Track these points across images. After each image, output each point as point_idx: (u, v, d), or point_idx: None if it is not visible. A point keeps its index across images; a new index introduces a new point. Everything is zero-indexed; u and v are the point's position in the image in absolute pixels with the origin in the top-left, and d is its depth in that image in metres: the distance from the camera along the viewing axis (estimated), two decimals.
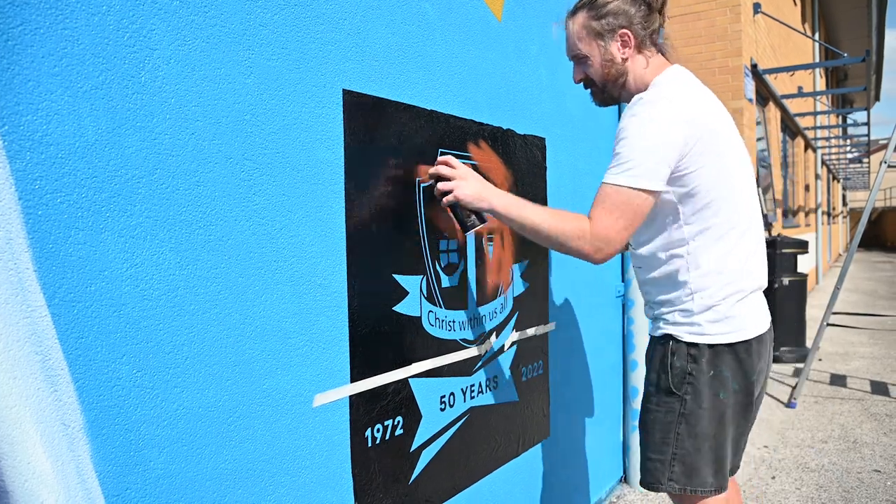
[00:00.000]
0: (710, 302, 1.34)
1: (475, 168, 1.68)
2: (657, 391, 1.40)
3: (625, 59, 1.39)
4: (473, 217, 1.43)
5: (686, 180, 1.30)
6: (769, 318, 1.45)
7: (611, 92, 1.45)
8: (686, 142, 1.26)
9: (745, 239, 1.37)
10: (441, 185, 1.41)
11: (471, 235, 1.66)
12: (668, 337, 1.39)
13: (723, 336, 1.34)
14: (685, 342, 1.36)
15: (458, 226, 1.47)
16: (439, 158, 1.47)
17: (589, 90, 1.49)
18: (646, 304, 1.50)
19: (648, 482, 1.41)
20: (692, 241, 1.34)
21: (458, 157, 1.61)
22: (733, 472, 1.47)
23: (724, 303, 1.34)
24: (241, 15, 1.08)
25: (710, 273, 1.34)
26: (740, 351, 1.35)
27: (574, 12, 1.43)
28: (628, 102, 1.39)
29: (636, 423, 2.69)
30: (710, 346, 1.34)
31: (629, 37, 1.37)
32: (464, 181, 1.39)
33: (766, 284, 1.44)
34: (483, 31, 1.72)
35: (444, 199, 1.41)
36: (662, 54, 1.44)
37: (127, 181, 0.92)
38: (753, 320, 1.38)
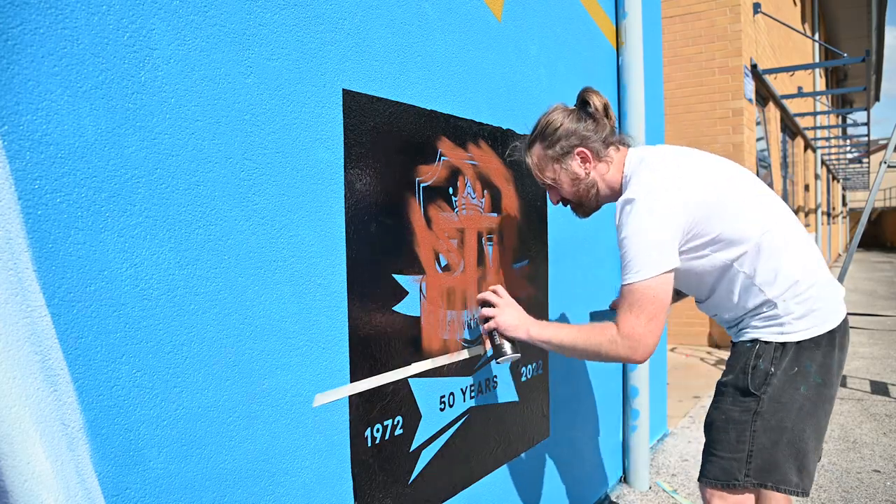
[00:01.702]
0: (791, 306, 1.35)
1: (474, 168, 1.68)
2: (734, 391, 1.40)
3: (588, 173, 1.47)
4: (507, 347, 1.49)
5: (706, 237, 1.35)
6: (844, 306, 1.45)
7: (588, 204, 1.53)
8: (687, 217, 1.31)
9: (791, 238, 1.39)
10: (485, 311, 1.53)
11: (472, 234, 1.66)
12: (756, 340, 1.39)
13: (808, 331, 1.35)
14: (774, 343, 1.37)
15: (492, 352, 1.55)
16: (492, 287, 1.58)
17: (569, 208, 1.57)
18: (724, 324, 1.51)
19: (717, 477, 1.39)
20: (759, 273, 1.36)
21: (459, 155, 1.61)
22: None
23: (804, 300, 1.35)
24: (241, 15, 1.08)
25: (781, 279, 1.35)
26: (825, 343, 1.36)
27: (529, 146, 1.52)
28: (612, 201, 1.48)
29: (636, 423, 2.69)
30: (798, 342, 1.35)
31: (586, 153, 1.45)
32: (506, 309, 1.50)
33: (828, 273, 1.44)
34: (483, 31, 1.72)
35: (486, 325, 1.52)
36: (623, 144, 1.50)
37: (127, 181, 0.92)
38: (833, 308, 1.39)
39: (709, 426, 1.45)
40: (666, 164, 1.39)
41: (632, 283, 1.29)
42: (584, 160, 1.46)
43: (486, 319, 1.52)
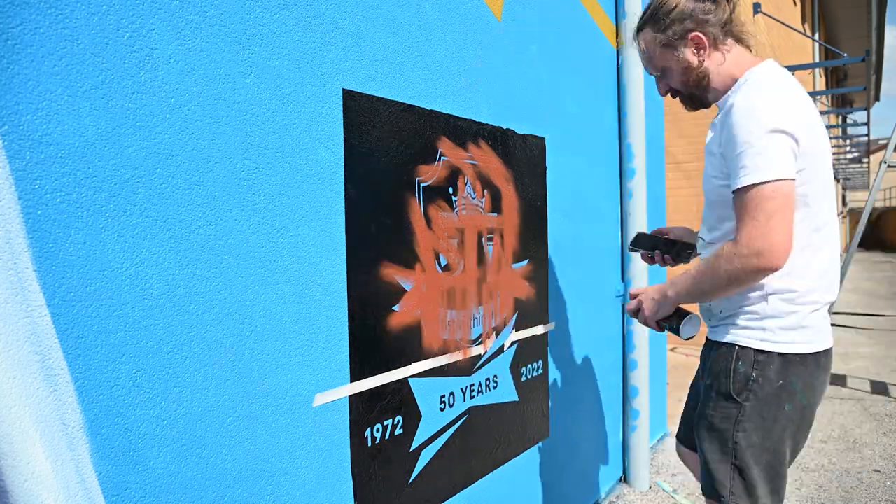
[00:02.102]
0: (784, 308, 1.26)
1: (474, 168, 1.68)
2: (716, 395, 1.32)
3: (702, 62, 1.34)
4: (675, 321, 1.41)
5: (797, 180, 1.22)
6: (831, 337, 1.38)
7: (699, 96, 1.40)
8: (796, 134, 1.19)
9: (828, 247, 1.30)
10: (638, 319, 1.45)
11: (472, 234, 1.66)
12: (733, 344, 1.31)
13: (797, 346, 1.27)
14: (753, 349, 1.28)
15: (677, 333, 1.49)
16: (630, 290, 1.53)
17: (678, 99, 1.45)
18: (705, 314, 1.43)
19: (710, 494, 1.34)
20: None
21: (459, 155, 1.61)
22: None
23: (800, 310, 1.27)
24: (241, 15, 1.08)
25: (791, 276, 1.25)
26: (811, 363, 1.28)
27: (639, 30, 1.41)
28: (718, 100, 1.35)
29: (636, 422, 2.69)
30: (781, 354, 1.27)
31: (701, 38, 1.32)
32: (644, 303, 1.42)
33: (836, 299, 1.38)
34: (483, 31, 1.72)
35: (647, 325, 1.44)
36: (741, 42, 1.37)
37: (127, 181, 0.92)
38: (825, 332, 1.31)
39: (698, 431, 1.39)
40: (796, 89, 1.28)
41: (749, 184, 1.16)
42: (699, 46, 1.32)
43: (646, 321, 1.44)
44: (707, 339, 1.41)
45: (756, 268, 1.17)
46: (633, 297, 1.48)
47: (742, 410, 1.28)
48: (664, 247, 1.56)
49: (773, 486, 1.29)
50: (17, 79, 0.79)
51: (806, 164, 1.22)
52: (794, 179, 1.18)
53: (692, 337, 1.39)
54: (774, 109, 1.19)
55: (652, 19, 1.36)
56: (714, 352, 1.36)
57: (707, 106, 1.42)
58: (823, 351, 1.31)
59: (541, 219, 1.99)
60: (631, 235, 2.53)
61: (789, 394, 1.27)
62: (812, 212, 1.26)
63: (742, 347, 1.29)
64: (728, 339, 1.32)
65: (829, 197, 1.30)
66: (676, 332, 1.41)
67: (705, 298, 1.34)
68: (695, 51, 1.33)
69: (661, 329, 1.46)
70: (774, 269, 1.17)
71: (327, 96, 1.24)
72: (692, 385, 1.55)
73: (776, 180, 1.15)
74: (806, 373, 1.28)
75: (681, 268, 1.50)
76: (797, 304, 1.27)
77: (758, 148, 1.17)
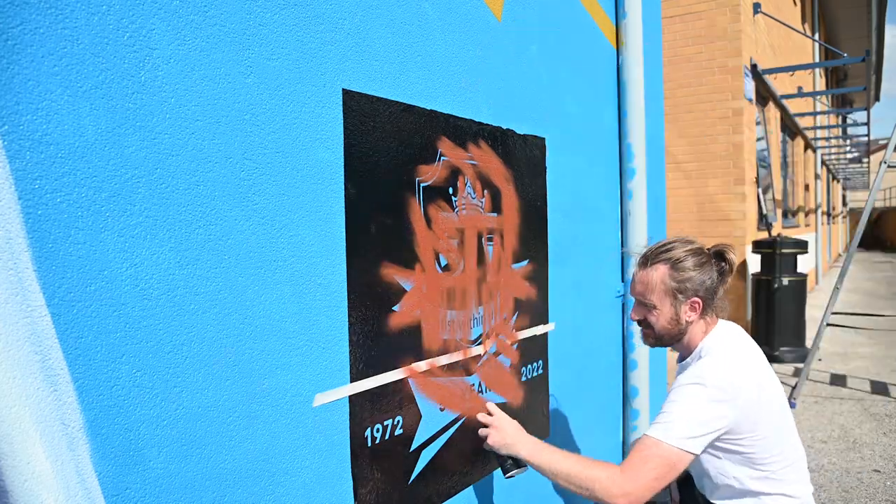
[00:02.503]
0: None
1: (474, 168, 1.68)
2: None
3: (689, 322, 1.50)
4: (509, 462, 1.51)
5: (741, 448, 1.41)
6: None
7: (665, 342, 1.56)
8: (735, 420, 1.36)
9: (800, 472, 1.48)
10: (481, 431, 1.55)
11: (472, 234, 1.66)
12: None
13: None
14: None
15: (502, 470, 1.56)
16: (486, 405, 1.61)
17: (641, 327, 1.59)
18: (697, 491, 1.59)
19: None
20: (761, 492, 1.43)
21: (459, 155, 1.61)
22: None
23: None
24: (241, 15, 1.08)
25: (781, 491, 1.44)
26: None
27: (655, 262, 1.52)
28: (679, 351, 1.56)
29: (636, 423, 2.69)
30: None
31: (699, 305, 1.47)
32: (494, 430, 1.51)
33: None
34: (483, 31, 1.72)
35: (484, 445, 1.54)
36: (716, 313, 1.55)
37: (127, 181, 0.92)
38: None
39: None
40: (746, 358, 1.47)
41: (660, 439, 1.32)
42: (693, 310, 1.49)
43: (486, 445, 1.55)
44: None
45: (614, 496, 1.31)
46: (487, 418, 1.56)
47: None
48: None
49: None
50: (17, 79, 0.79)
51: (758, 428, 1.40)
52: (693, 455, 1.34)
53: (509, 476, 1.51)
54: (715, 393, 1.35)
55: (672, 263, 1.49)
56: None
57: (663, 347, 1.60)
58: None
59: (541, 219, 1.99)
60: (631, 236, 2.54)
61: None
62: (776, 458, 1.44)
63: None
64: None
65: (789, 435, 1.49)
66: (504, 469, 1.51)
67: (552, 479, 1.44)
68: (688, 311, 1.49)
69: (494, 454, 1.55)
70: None
71: (327, 96, 1.24)
72: None
73: (680, 450, 1.32)
74: None
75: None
76: None
77: (684, 415, 1.34)
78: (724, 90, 5.95)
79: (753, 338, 5.66)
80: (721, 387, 1.37)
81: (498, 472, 1.80)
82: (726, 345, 1.48)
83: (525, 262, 1.91)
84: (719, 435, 1.38)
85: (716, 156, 6.20)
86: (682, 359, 1.59)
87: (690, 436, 1.33)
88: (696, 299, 1.47)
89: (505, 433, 1.50)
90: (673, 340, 1.54)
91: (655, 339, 1.57)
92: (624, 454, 2.76)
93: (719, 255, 1.51)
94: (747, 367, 1.46)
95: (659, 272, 1.50)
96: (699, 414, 1.34)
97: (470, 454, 1.68)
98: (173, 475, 0.98)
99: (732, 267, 1.51)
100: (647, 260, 1.53)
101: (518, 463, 1.52)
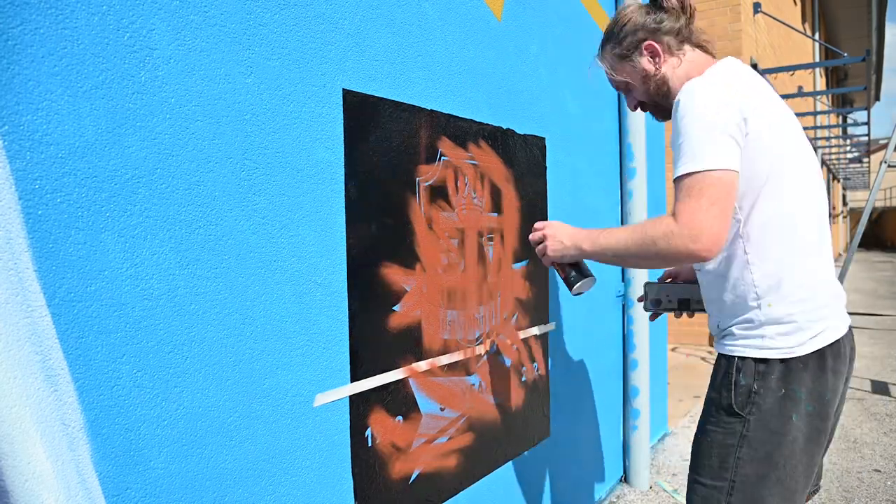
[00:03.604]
0: (778, 310, 1.21)
1: (475, 167, 1.68)
2: (717, 410, 1.27)
3: (658, 68, 1.36)
4: (573, 273, 1.39)
5: (746, 149, 1.18)
6: (847, 321, 1.30)
7: (664, 105, 1.40)
8: (743, 117, 1.16)
9: (812, 233, 1.24)
10: (537, 249, 1.43)
11: (472, 234, 1.66)
12: (732, 355, 1.26)
13: (795, 349, 1.21)
14: (752, 358, 1.23)
15: (567, 287, 1.45)
16: (535, 225, 1.47)
17: (648, 112, 1.46)
18: (713, 330, 1.38)
19: None
20: (753, 234, 1.21)
21: (459, 155, 1.61)
22: (808, 497, 1.32)
23: (795, 310, 1.21)
24: (241, 15, 1.08)
25: (779, 274, 1.21)
26: (813, 366, 1.21)
27: (600, 51, 1.44)
28: None
29: (636, 422, 2.69)
30: (782, 360, 1.21)
31: (654, 46, 1.34)
32: (549, 240, 1.39)
33: (839, 285, 1.31)
34: (483, 31, 1.72)
35: (544, 261, 1.42)
36: (701, 48, 1.37)
37: (127, 181, 0.92)
38: (828, 325, 1.24)
39: (694, 446, 1.33)
40: (750, 78, 1.26)
41: (690, 171, 1.14)
42: (654, 54, 1.35)
43: (543, 258, 1.42)
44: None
45: (690, 252, 1.13)
46: (537, 232, 1.42)
47: (746, 426, 1.22)
48: (677, 303, 1.51)
49: (785, 497, 1.21)
50: (17, 79, 0.79)
51: (762, 142, 1.18)
52: (736, 171, 1.15)
53: (581, 294, 1.39)
54: (715, 99, 1.17)
55: (609, 36, 1.41)
56: (717, 363, 1.32)
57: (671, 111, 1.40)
58: (831, 347, 1.23)
59: (541, 218, 1.99)
60: None
61: (794, 402, 1.21)
62: (785, 198, 1.21)
63: (742, 358, 1.25)
64: (727, 350, 1.28)
65: (809, 179, 1.26)
66: (569, 283, 1.39)
67: (618, 264, 1.33)
68: (650, 59, 1.36)
69: (552, 267, 1.43)
70: (705, 258, 1.14)
71: (327, 96, 1.24)
72: None
73: (718, 170, 1.12)
74: (808, 377, 1.21)
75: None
76: (789, 305, 1.21)
77: (700, 138, 1.15)
78: None
79: None
80: (711, 89, 1.18)
81: (498, 473, 1.80)
82: (726, 67, 1.28)
83: (525, 262, 1.91)
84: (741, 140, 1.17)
85: None
86: None
87: (717, 152, 1.13)
88: (647, 43, 1.34)
89: (561, 235, 1.38)
90: (665, 97, 1.37)
91: (654, 109, 1.43)
92: (624, 454, 2.76)
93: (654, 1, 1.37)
94: (749, 79, 1.26)
95: (606, 56, 1.42)
96: (709, 123, 1.15)
97: (470, 454, 1.68)
98: (174, 475, 0.98)
99: (673, 1, 1.35)
100: (596, 56, 1.46)
101: (582, 272, 1.40)
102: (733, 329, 1.28)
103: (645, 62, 1.36)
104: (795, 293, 1.22)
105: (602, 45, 1.44)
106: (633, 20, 1.37)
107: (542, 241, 1.41)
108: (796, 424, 1.21)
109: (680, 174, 1.16)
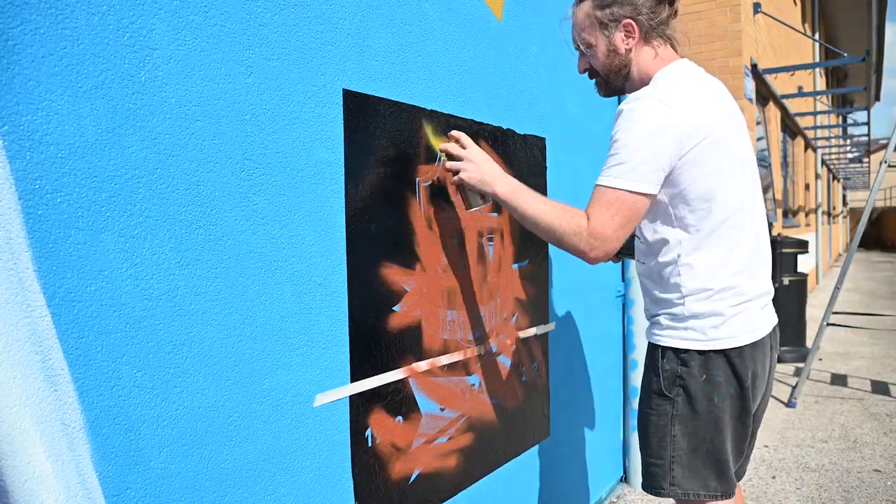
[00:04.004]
0: (701, 308, 1.31)
1: None
2: (650, 394, 1.38)
3: (628, 50, 1.36)
4: (479, 197, 1.47)
5: (677, 180, 1.26)
6: (772, 322, 1.41)
7: (614, 83, 1.42)
8: (681, 144, 1.23)
9: (745, 242, 1.33)
10: (449, 164, 1.45)
11: (472, 234, 1.66)
12: (658, 344, 1.38)
13: (713, 342, 1.31)
14: (673, 348, 1.34)
15: (462, 202, 1.50)
16: (451, 133, 1.49)
17: (593, 80, 1.47)
18: (646, 316, 1.48)
19: (651, 486, 1.39)
20: (685, 242, 1.31)
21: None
22: (738, 477, 1.44)
23: (716, 308, 1.31)
24: (241, 15, 1.08)
25: (703, 277, 1.31)
26: (732, 356, 1.31)
27: (578, 2, 1.41)
28: (632, 92, 1.35)
29: (636, 422, 2.69)
30: (700, 351, 1.32)
31: (633, 27, 1.34)
32: (471, 164, 1.41)
33: (771, 290, 1.41)
34: (483, 31, 1.72)
35: (453, 179, 1.45)
36: (672, 47, 1.39)
37: (127, 181, 0.92)
38: (749, 327, 1.33)
39: (638, 429, 1.44)
40: (699, 90, 1.30)
41: (614, 187, 1.23)
42: (629, 35, 1.34)
43: (454, 172, 1.44)
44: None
45: (583, 254, 1.26)
46: (457, 141, 1.45)
47: (675, 406, 1.34)
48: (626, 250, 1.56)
49: (717, 469, 1.33)
50: (17, 79, 0.79)
51: (700, 163, 1.25)
52: (653, 196, 1.25)
53: (471, 210, 1.43)
54: (656, 124, 1.22)
55: None
56: (648, 350, 1.44)
57: (621, 94, 1.43)
58: (749, 344, 1.33)
59: None
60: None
61: (714, 386, 1.32)
62: (716, 211, 1.28)
63: (665, 348, 1.36)
64: (654, 339, 1.40)
65: (741, 191, 1.32)
66: (467, 203, 1.45)
67: (519, 220, 1.37)
68: (624, 37, 1.35)
69: (457, 188, 1.47)
70: (590, 263, 1.28)
71: (327, 96, 1.24)
72: None
73: (638, 193, 1.22)
74: (726, 365, 1.32)
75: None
76: (714, 301, 1.31)
77: (632, 157, 1.22)
78: None
79: None
80: (658, 108, 1.23)
81: (498, 473, 1.80)
82: (677, 74, 1.33)
83: (525, 262, 1.91)
84: (671, 166, 1.25)
85: None
86: None
87: (641, 175, 1.22)
88: (628, 21, 1.33)
89: (482, 169, 1.40)
90: (620, 77, 1.39)
91: (603, 82, 1.43)
92: (624, 454, 2.76)
93: None
94: (698, 92, 1.30)
95: (584, 9, 1.38)
96: (644, 146, 1.22)
97: (470, 454, 1.68)
98: (174, 475, 0.98)
99: None
100: (574, 2, 1.42)
101: (485, 198, 1.44)
102: (661, 319, 1.38)
103: (618, 38, 1.36)
104: (720, 296, 1.31)
105: None
106: None
107: (458, 168, 1.43)
108: (719, 405, 1.32)
109: (604, 184, 1.25)
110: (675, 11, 1.39)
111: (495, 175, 1.39)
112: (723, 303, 1.31)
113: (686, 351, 1.33)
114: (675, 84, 1.29)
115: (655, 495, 1.38)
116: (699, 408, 1.32)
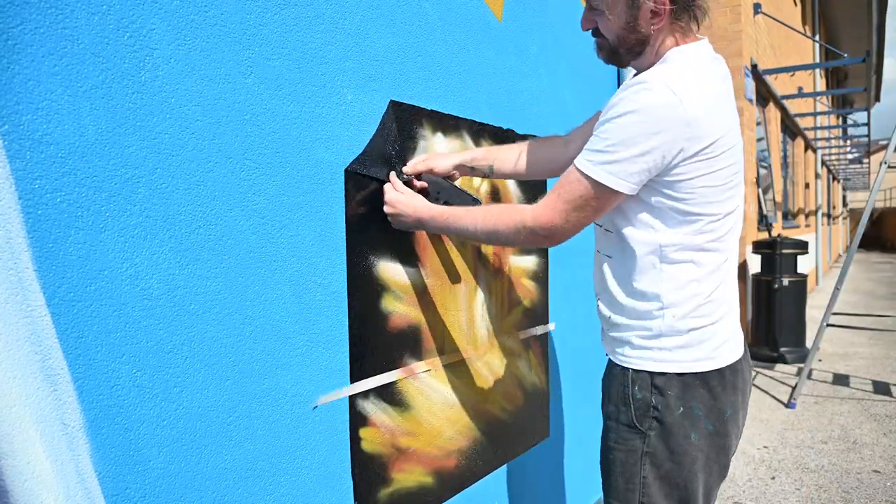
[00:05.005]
0: (680, 324, 1.15)
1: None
2: (616, 425, 1.20)
3: (650, 30, 1.15)
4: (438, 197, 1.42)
5: (677, 188, 1.11)
6: (743, 345, 1.25)
7: (621, 57, 1.22)
8: (681, 146, 1.07)
9: (729, 261, 1.20)
10: (385, 209, 1.36)
11: None
12: (627, 367, 1.20)
13: (693, 364, 1.15)
14: (648, 371, 1.17)
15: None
16: (391, 177, 1.40)
17: (595, 40, 1.27)
18: (601, 318, 1.29)
19: None
20: (673, 252, 1.14)
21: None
22: None
23: (696, 325, 1.16)
24: (241, 15, 1.08)
25: (686, 289, 1.15)
26: (713, 382, 1.16)
27: None
28: (637, 69, 1.21)
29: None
30: (679, 375, 1.15)
31: (665, 8, 1.12)
32: (392, 213, 1.34)
33: (738, 311, 1.26)
34: (483, 31, 1.72)
35: (391, 221, 1.37)
36: (695, 21, 1.18)
37: (127, 181, 0.92)
38: (728, 347, 1.19)
39: (601, 464, 1.26)
40: (708, 84, 1.12)
41: (589, 175, 1.09)
42: (656, 14, 1.13)
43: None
44: (607, 357, 1.29)
45: (538, 243, 1.18)
46: (387, 199, 1.35)
47: (647, 441, 1.16)
48: (454, 198, 1.42)
49: None
50: (17, 79, 0.79)
51: (700, 170, 1.10)
52: (624, 195, 1.10)
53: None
54: (655, 120, 1.06)
55: None
56: (609, 373, 1.25)
57: (622, 66, 1.27)
58: (729, 366, 1.18)
59: None
60: None
61: (692, 420, 1.15)
62: (708, 224, 1.14)
63: (636, 371, 1.18)
64: (621, 361, 1.22)
65: (732, 207, 1.17)
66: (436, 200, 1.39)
67: (467, 238, 1.30)
68: (650, 15, 1.14)
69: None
70: (549, 247, 1.17)
71: (327, 96, 1.24)
72: None
73: (610, 189, 1.08)
74: (707, 394, 1.16)
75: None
76: (690, 321, 1.15)
77: (617, 149, 1.07)
78: None
79: (754, 338, 5.57)
80: (664, 99, 1.06)
81: (498, 473, 1.80)
82: (689, 60, 1.14)
83: (525, 262, 1.91)
84: (663, 168, 1.09)
85: None
86: None
87: (623, 172, 1.08)
88: (662, 1, 1.11)
89: (403, 215, 1.32)
90: (632, 54, 1.19)
91: (608, 51, 1.23)
92: None
93: None
94: (706, 87, 1.11)
95: None
96: (637, 139, 1.06)
97: (470, 454, 1.68)
98: (173, 475, 0.98)
99: None
100: None
101: (441, 195, 1.40)
102: (631, 338, 1.20)
103: (644, 14, 1.14)
104: (701, 311, 1.16)
105: None
106: None
107: (386, 201, 1.35)
108: (696, 444, 1.16)
109: (581, 169, 1.10)
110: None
111: (417, 210, 1.30)
112: (704, 318, 1.16)
113: (663, 374, 1.16)
114: (683, 72, 1.11)
115: None
116: (675, 446, 1.15)
